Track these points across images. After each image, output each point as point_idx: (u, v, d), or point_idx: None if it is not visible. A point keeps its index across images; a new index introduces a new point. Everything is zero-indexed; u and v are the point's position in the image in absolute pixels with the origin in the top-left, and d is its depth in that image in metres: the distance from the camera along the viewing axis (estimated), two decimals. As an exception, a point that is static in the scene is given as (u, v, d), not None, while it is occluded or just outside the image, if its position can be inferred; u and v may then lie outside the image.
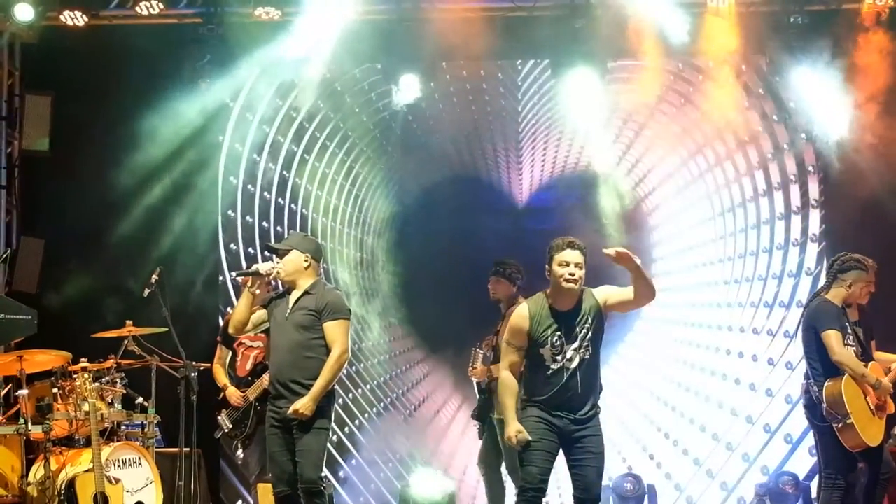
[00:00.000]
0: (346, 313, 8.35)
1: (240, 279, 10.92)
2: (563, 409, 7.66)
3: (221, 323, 11.05)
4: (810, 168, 12.19)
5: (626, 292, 7.66)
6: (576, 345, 7.60)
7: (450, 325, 11.79)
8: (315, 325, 8.18)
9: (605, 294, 7.69)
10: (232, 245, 12.50)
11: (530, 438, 7.68)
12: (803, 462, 11.69)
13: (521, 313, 7.68)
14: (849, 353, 8.78)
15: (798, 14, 11.59)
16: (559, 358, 7.59)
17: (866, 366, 8.84)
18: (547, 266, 7.62)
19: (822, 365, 8.87)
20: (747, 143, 12.30)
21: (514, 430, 7.58)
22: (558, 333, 7.59)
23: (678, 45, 11.71)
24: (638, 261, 7.50)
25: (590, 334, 7.66)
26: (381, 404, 12.28)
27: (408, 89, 12.02)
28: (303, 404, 8.00)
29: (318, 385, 8.04)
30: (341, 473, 11.54)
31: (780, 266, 12.21)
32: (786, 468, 11.72)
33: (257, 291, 8.29)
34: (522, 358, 7.69)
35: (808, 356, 9.05)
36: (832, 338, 8.79)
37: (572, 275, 7.52)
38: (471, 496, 11.71)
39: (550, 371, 7.60)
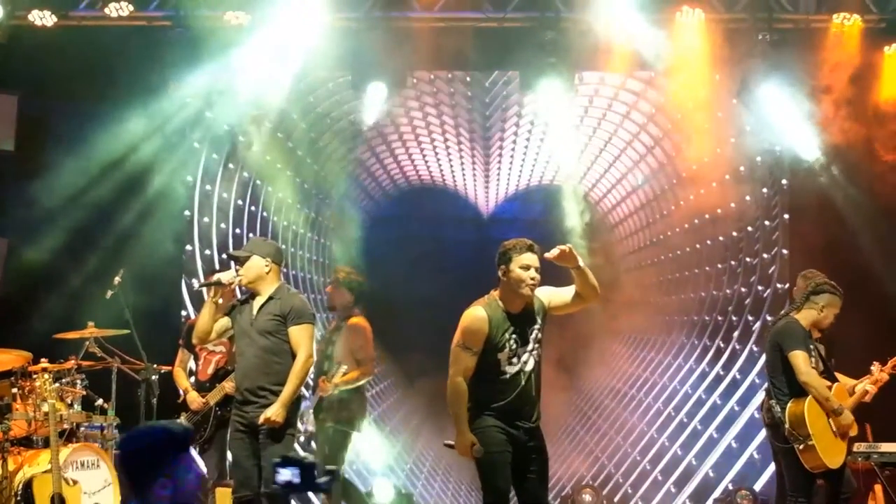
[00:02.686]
0: (310, 318, 8.37)
1: (203, 289, 10.88)
2: (519, 416, 7.54)
3: (185, 326, 10.96)
4: (774, 184, 12.29)
5: (569, 293, 7.56)
6: (529, 347, 7.50)
7: (412, 334, 11.77)
8: (280, 331, 8.23)
9: (549, 295, 7.59)
10: (188, 247, 12.54)
11: (493, 451, 7.57)
12: (755, 474, 11.74)
13: (479, 315, 7.46)
14: (815, 375, 8.79)
15: (767, 31, 11.62)
16: (515, 361, 7.47)
17: (830, 387, 8.83)
18: (503, 267, 7.44)
19: (786, 384, 8.88)
20: (715, 157, 12.28)
21: (470, 440, 7.43)
22: (514, 336, 7.46)
23: (647, 59, 11.71)
24: (581, 261, 7.41)
25: (539, 335, 7.57)
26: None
27: (376, 99, 11.98)
28: (274, 412, 8.02)
29: (287, 391, 8.07)
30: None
31: (743, 280, 12.26)
32: (741, 481, 11.76)
33: (220, 301, 8.32)
34: (474, 364, 7.51)
35: (772, 375, 9.04)
36: (799, 358, 8.77)
37: (534, 279, 7.39)
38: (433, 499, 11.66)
39: (507, 376, 7.46)
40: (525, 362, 7.48)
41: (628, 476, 11.92)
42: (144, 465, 4.52)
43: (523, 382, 7.51)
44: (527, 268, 7.37)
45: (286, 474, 4.77)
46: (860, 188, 11.72)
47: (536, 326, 7.53)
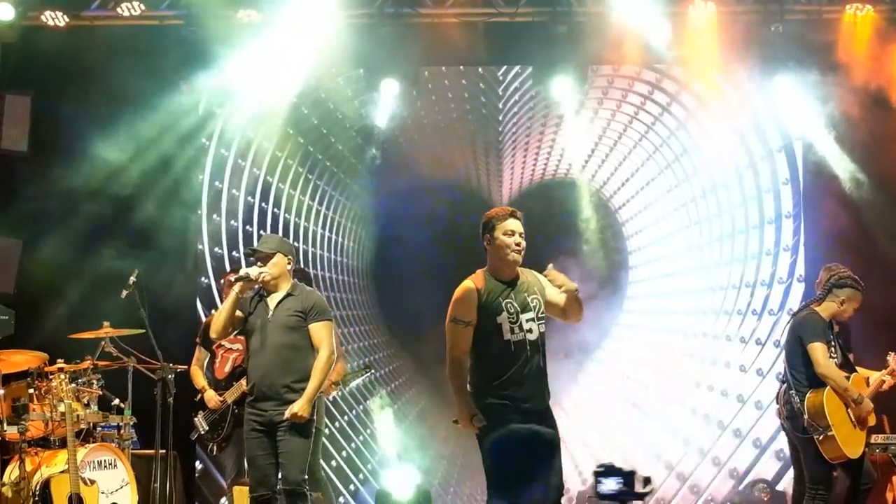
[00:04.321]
0: (330, 315, 8.42)
1: (221, 282, 10.93)
2: (529, 396, 7.43)
3: (202, 325, 10.97)
4: (784, 179, 12.26)
5: (560, 298, 7.51)
6: (531, 315, 7.38)
7: (427, 326, 11.74)
8: (301, 327, 8.23)
9: (547, 284, 7.53)
10: (199, 245, 12.57)
11: (501, 444, 7.53)
12: (770, 466, 11.73)
13: (466, 286, 7.38)
14: (833, 367, 8.80)
15: (779, 23, 11.60)
16: (516, 328, 7.39)
17: (848, 378, 8.84)
18: (487, 236, 7.40)
19: (805, 376, 8.87)
20: (724, 153, 12.30)
21: (470, 412, 7.32)
22: (510, 300, 7.36)
23: (659, 52, 11.72)
24: (575, 286, 7.39)
25: (541, 307, 7.48)
26: (361, 406, 12.26)
27: (389, 94, 12.01)
28: (300, 407, 8.04)
29: (312, 387, 8.10)
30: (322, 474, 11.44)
31: (753, 276, 12.29)
32: (755, 472, 11.78)
33: (245, 295, 8.29)
34: (471, 337, 7.49)
35: (792, 366, 9.03)
36: (818, 350, 8.78)
37: (518, 244, 7.35)
38: (449, 494, 11.67)
39: (511, 344, 7.37)
40: (529, 331, 7.34)
41: (648, 465, 11.90)
42: None
43: (529, 353, 7.37)
44: (511, 233, 7.31)
45: (610, 484, 4.79)
46: (874, 178, 11.73)
47: (536, 297, 7.42)
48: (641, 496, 4.94)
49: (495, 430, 7.50)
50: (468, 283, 7.49)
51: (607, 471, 4.77)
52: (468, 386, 7.46)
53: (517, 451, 7.52)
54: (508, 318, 7.43)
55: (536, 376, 7.51)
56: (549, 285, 7.64)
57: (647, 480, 4.84)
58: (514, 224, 7.48)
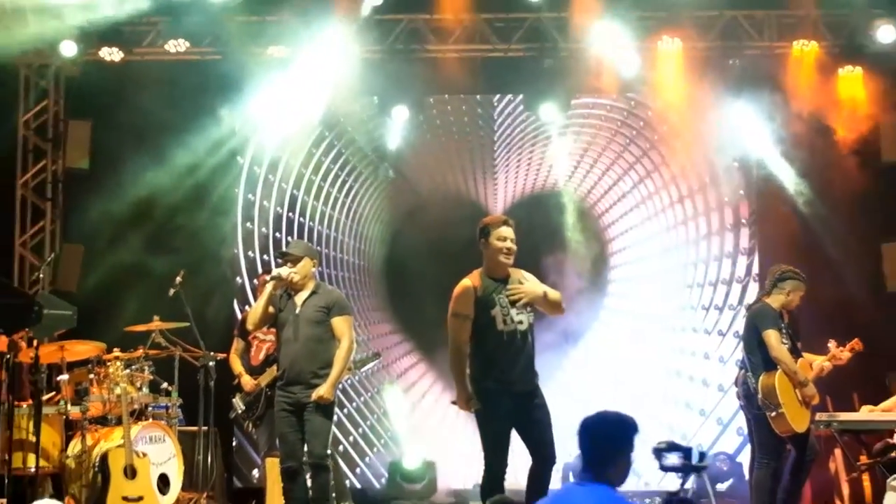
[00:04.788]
0: (349, 310, 8.51)
1: (256, 281, 11.00)
2: (520, 378, 7.57)
3: (239, 318, 11.04)
4: (746, 187, 12.25)
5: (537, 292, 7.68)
6: (519, 309, 7.53)
7: (432, 321, 11.78)
8: (325, 321, 8.31)
9: (534, 284, 7.71)
10: (234, 249, 12.53)
11: (492, 420, 7.65)
12: (731, 441, 11.77)
13: (464, 284, 7.58)
14: (785, 351, 8.86)
15: (736, 57, 11.71)
16: (508, 320, 7.52)
17: (797, 362, 8.90)
18: (483, 240, 7.58)
19: (760, 360, 8.95)
20: (691, 168, 12.35)
21: (467, 396, 7.49)
22: (501, 295, 7.51)
23: (633, 82, 11.80)
24: (542, 289, 7.63)
25: (531, 299, 7.61)
26: (375, 389, 12.30)
27: (399, 119, 12.06)
28: (325, 390, 8.12)
29: (335, 372, 8.18)
30: (340, 448, 11.47)
31: (716, 275, 12.31)
32: (717, 446, 11.79)
33: (276, 293, 8.36)
34: (470, 329, 7.56)
35: (748, 351, 9.11)
36: (772, 336, 8.85)
37: (509, 248, 7.53)
38: (449, 467, 11.66)
39: (504, 334, 7.50)
40: (519, 322, 7.51)
41: None
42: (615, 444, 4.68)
43: (519, 341, 7.50)
44: (503, 239, 7.51)
45: (672, 459, 4.88)
46: (816, 189, 11.76)
47: (524, 293, 7.55)
48: (700, 469, 5.02)
49: (490, 411, 7.64)
50: (466, 282, 7.63)
51: (669, 447, 4.84)
52: (468, 370, 7.62)
53: (508, 428, 7.68)
54: (501, 311, 7.57)
55: (526, 360, 7.65)
56: (536, 283, 7.77)
57: (702, 455, 4.92)
58: (507, 231, 7.64)
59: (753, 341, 9.07)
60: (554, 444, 7.70)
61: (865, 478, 10.25)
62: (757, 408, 8.90)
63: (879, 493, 9.60)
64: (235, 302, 12.23)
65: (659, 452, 4.81)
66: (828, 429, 9.54)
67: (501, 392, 7.59)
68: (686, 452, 4.86)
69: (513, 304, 7.58)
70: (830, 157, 11.63)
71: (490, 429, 7.65)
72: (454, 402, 7.87)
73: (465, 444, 11.00)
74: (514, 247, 7.67)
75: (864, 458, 9.83)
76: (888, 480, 9.27)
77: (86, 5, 10.33)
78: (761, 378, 8.87)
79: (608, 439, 4.71)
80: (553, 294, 7.69)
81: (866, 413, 9.44)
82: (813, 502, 10.80)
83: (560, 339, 11.45)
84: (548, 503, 4.95)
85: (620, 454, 4.70)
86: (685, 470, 4.90)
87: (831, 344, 9.40)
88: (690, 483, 10.52)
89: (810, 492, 10.58)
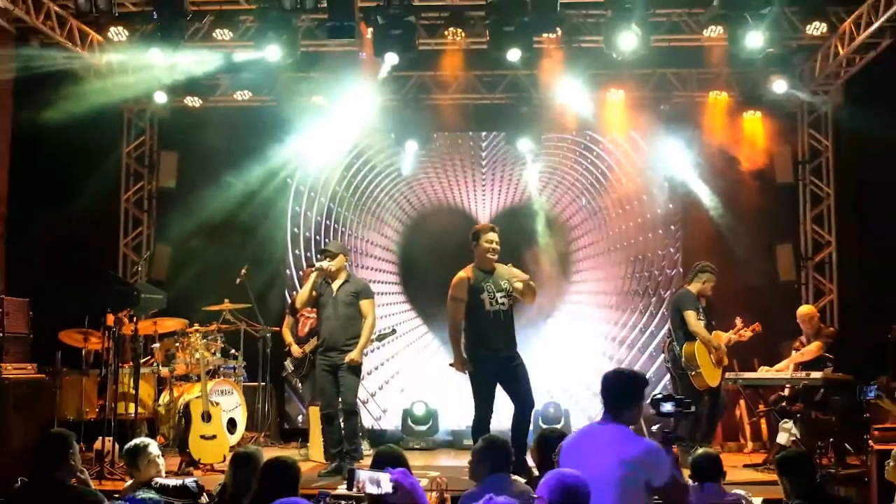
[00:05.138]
0: (373, 295, 8.72)
1: (301, 272, 11.05)
2: (503, 344, 7.75)
3: (290, 301, 11.10)
4: (673, 201, 12.22)
5: (519, 285, 7.84)
6: (502, 294, 7.75)
7: (434, 303, 11.80)
8: (354, 303, 8.50)
9: (513, 276, 7.83)
10: (285, 249, 12.48)
11: (481, 375, 7.73)
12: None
13: (460, 275, 7.82)
14: (702, 326, 9.05)
15: (666, 104, 11.75)
16: (493, 302, 7.71)
17: (710, 334, 9.01)
18: (474, 242, 7.82)
19: (682, 332, 9.10)
20: (632, 185, 12.31)
21: (462, 360, 7.75)
22: (488, 283, 7.73)
23: (588, 122, 11.83)
24: (526, 276, 7.85)
25: (511, 290, 7.79)
26: (392, 354, 12.24)
27: (410, 150, 12.08)
28: (355, 354, 8.33)
29: (362, 342, 8.40)
30: (363, 397, 11.50)
31: (650, 267, 12.23)
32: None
33: (319, 280, 8.47)
34: (464, 309, 7.72)
35: (674, 326, 9.28)
36: (691, 315, 9.00)
37: (495, 249, 7.78)
38: (447, 413, 11.65)
39: (491, 312, 7.69)
40: (501, 304, 7.74)
41: (578, 399, 11.92)
42: (629, 394, 4.71)
43: (503, 318, 7.74)
44: (490, 241, 7.80)
45: (668, 406, 4.91)
46: (725, 203, 11.78)
47: (504, 283, 7.76)
48: (688, 415, 5.06)
49: (480, 372, 7.76)
50: (461, 273, 7.79)
51: (664, 398, 4.88)
52: (463, 341, 7.75)
53: (493, 385, 7.80)
54: (488, 295, 7.72)
55: (508, 333, 7.83)
56: (516, 282, 7.88)
57: (688, 405, 4.96)
58: (493, 235, 7.81)
59: (677, 319, 9.20)
60: (531, 392, 7.86)
61: (763, 421, 10.39)
62: (681, 369, 9.03)
63: (773, 432, 9.72)
64: (286, 288, 12.19)
65: (657, 402, 4.85)
66: (735, 384, 9.62)
67: (489, 357, 7.73)
68: (678, 402, 4.90)
69: (503, 291, 7.72)
70: (736, 179, 11.63)
71: (479, 385, 7.79)
72: (451, 365, 7.99)
73: (460, 396, 11.04)
74: (498, 247, 7.83)
75: (762, 407, 9.91)
76: (780, 423, 9.38)
77: (173, 66, 10.35)
78: (684, 346, 8.99)
79: (623, 390, 4.73)
80: (532, 283, 7.93)
81: (763, 373, 9.50)
82: (724, 438, 10.89)
83: (536, 316, 11.50)
84: (575, 439, 4.91)
85: (633, 402, 4.72)
86: (678, 415, 4.94)
87: (738, 320, 9.54)
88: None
89: (721, 431, 10.67)
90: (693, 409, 5.07)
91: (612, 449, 4.55)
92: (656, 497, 4.71)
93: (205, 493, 5.98)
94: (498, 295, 7.76)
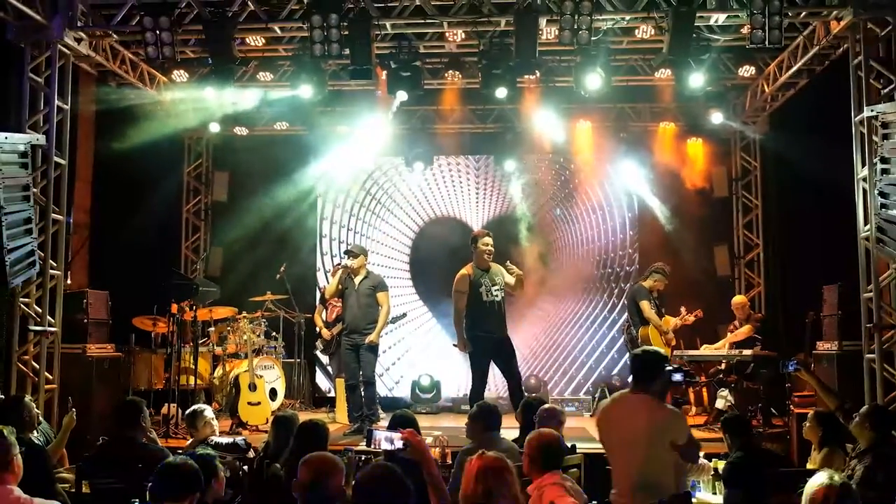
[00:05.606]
0: (387, 288, 8.72)
1: (329, 270, 11.03)
2: (496, 328, 7.78)
3: (320, 292, 11.09)
4: (630, 211, 12.19)
5: (511, 279, 7.95)
6: (497, 287, 7.84)
7: (437, 294, 11.83)
8: (373, 294, 8.49)
9: (504, 273, 7.91)
10: (317, 250, 12.42)
11: (478, 352, 7.75)
12: (623, 368, 11.56)
13: (462, 272, 7.89)
14: (654, 314, 9.06)
15: (625, 132, 11.73)
16: (489, 295, 7.75)
17: (661, 320, 9.01)
18: (473, 245, 7.90)
19: (638, 319, 9.08)
20: (597, 197, 12.30)
21: (464, 341, 7.77)
22: (485, 279, 7.80)
23: (562, 147, 11.79)
24: (520, 272, 7.95)
25: (503, 284, 7.85)
26: (403, 336, 12.20)
27: (417, 170, 12.04)
28: (374, 336, 8.35)
29: (379, 326, 8.41)
30: (379, 371, 11.52)
31: (615, 266, 12.21)
32: (616, 371, 11.66)
33: (344, 276, 8.53)
34: (466, 299, 7.77)
35: (630, 313, 9.29)
36: (645, 305, 9.00)
37: (490, 251, 7.86)
38: (448, 383, 11.62)
39: (487, 302, 7.76)
40: (496, 295, 7.81)
41: (555, 371, 11.93)
42: (653, 369, 4.65)
43: (496, 308, 7.81)
44: (486, 245, 7.88)
45: (678, 376, 4.90)
46: (673, 212, 11.78)
47: (498, 279, 7.83)
48: (696, 384, 5.08)
49: (477, 351, 7.80)
50: (463, 271, 7.86)
51: (675, 369, 4.87)
52: (464, 325, 7.78)
53: (488, 362, 7.83)
54: (485, 288, 7.75)
55: (500, 319, 7.89)
56: (506, 272, 7.91)
57: (693, 375, 4.97)
58: (488, 240, 7.85)
59: (634, 308, 9.22)
60: (518, 368, 7.91)
61: (704, 390, 10.36)
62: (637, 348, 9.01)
63: (712, 399, 9.71)
64: (316, 283, 12.17)
65: (670, 372, 4.82)
66: (681, 360, 9.61)
67: (485, 339, 7.77)
68: (686, 373, 4.90)
69: (497, 285, 7.81)
70: (682, 193, 11.65)
71: (477, 362, 7.83)
72: (455, 346, 8.02)
73: (458, 369, 11.08)
74: (493, 249, 7.86)
75: (703, 378, 9.90)
76: (718, 391, 9.39)
77: (224, 101, 10.38)
78: (640, 330, 9.01)
79: (644, 365, 4.67)
80: (523, 277, 8.07)
81: (704, 350, 9.51)
82: (673, 404, 10.87)
83: (523, 305, 11.48)
84: (610, 402, 4.83)
85: (657, 376, 4.64)
86: (688, 383, 4.96)
87: (683, 308, 9.55)
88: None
89: (670, 398, 10.66)
90: (696, 379, 5.06)
91: (642, 414, 4.51)
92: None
93: (252, 449, 6.00)
94: (493, 288, 7.83)
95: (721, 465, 5.79)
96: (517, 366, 7.95)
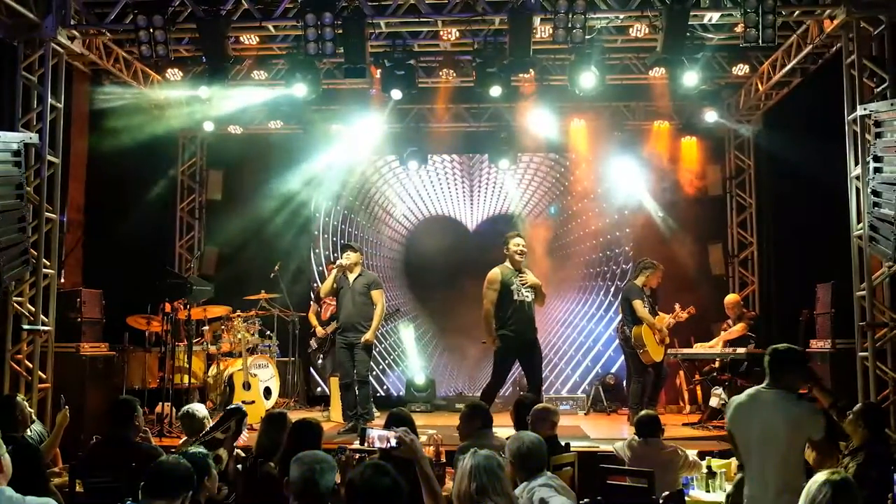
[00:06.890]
0: (382, 286, 8.75)
1: (324, 268, 11.01)
2: (525, 329, 7.81)
3: (315, 291, 11.07)
4: (626, 209, 12.16)
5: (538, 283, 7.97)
6: (526, 288, 7.81)
7: (431, 295, 11.87)
8: (367, 293, 8.47)
9: (537, 285, 7.92)
10: (314, 249, 12.40)
11: (503, 353, 7.81)
12: (620, 367, 11.55)
13: (494, 271, 7.92)
14: (647, 312, 9.04)
15: (619, 131, 11.71)
16: (519, 295, 7.77)
17: (654, 318, 9.01)
18: (505, 246, 7.94)
19: (631, 318, 9.06)
20: (593, 201, 12.29)
21: (493, 338, 7.80)
22: (517, 279, 7.81)
23: (556, 146, 11.81)
24: (538, 283, 7.91)
25: (532, 286, 7.88)
26: (398, 334, 12.15)
27: (412, 169, 11.97)
28: (369, 335, 8.33)
29: (374, 325, 8.39)
30: (374, 372, 11.51)
31: (610, 264, 12.21)
32: (614, 369, 11.70)
33: (339, 274, 8.46)
34: (496, 297, 7.78)
35: (623, 313, 9.26)
36: (638, 304, 8.99)
37: (521, 252, 7.90)
38: (442, 382, 11.63)
39: (517, 301, 7.78)
40: (526, 296, 7.85)
41: (550, 369, 11.90)
42: (787, 365, 4.57)
43: (526, 308, 7.83)
44: (517, 245, 7.89)
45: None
46: (667, 212, 11.78)
47: (529, 281, 7.84)
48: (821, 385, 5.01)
49: (503, 349, 7.83)
50: (496, 269, 8.00)
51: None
52: (494, 322, 7.73)
53: (512, 363, 7.88)
54: (515, 288, 7.76)
55: (530, 319, 7.94)
56: (537, 285, 7.94)
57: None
58: (519, 240, 7.96)
59: (627, 306, 9.21)
60: (541, 371, 8.03)
61: (698, 388, 10.41)
62: (630, 347, 9.05)
63: (706, 397, 9.74)
64: (311, 281, 12.13)
65: (803, 366, 4.75)
66: (675, 358, 9.68)
67: (514, 338, 7.80)
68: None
69: (528, 286, 7.87)
70: (676, 191, 11.68)
71: (501, 361, 7.89)
72: (484, 342, 8.10)
73: (452, 368, 11.07)
74: (525, 249, 7.95)
75: (697, 376, 9.95)
76: (712, 389, 9.41)
77: (219, 100, 10.33)
78: (633, 329, 9.01)
79: (781, 362, 4.61)
80: (542, 290, 8.01)
81: (698, 349, 9.54)
82: (666, 402, 10.91)
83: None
84: (745, 398, 4.65)
85: (792, 371, 4.57)
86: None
87: (676, 306, 9.56)
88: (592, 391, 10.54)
89: (665, 397, 10.70)
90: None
91: (778, 409, 4.42)
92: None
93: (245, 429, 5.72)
94: (523, 289, 7.85)
95: (715, 462, 5.79)
96: (541, 369, 8.02)
